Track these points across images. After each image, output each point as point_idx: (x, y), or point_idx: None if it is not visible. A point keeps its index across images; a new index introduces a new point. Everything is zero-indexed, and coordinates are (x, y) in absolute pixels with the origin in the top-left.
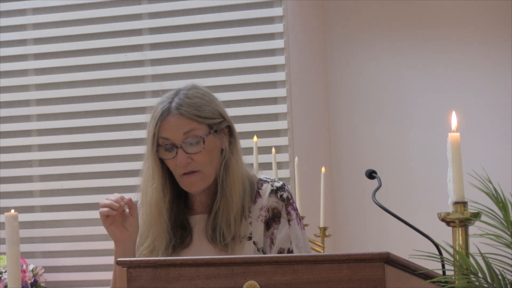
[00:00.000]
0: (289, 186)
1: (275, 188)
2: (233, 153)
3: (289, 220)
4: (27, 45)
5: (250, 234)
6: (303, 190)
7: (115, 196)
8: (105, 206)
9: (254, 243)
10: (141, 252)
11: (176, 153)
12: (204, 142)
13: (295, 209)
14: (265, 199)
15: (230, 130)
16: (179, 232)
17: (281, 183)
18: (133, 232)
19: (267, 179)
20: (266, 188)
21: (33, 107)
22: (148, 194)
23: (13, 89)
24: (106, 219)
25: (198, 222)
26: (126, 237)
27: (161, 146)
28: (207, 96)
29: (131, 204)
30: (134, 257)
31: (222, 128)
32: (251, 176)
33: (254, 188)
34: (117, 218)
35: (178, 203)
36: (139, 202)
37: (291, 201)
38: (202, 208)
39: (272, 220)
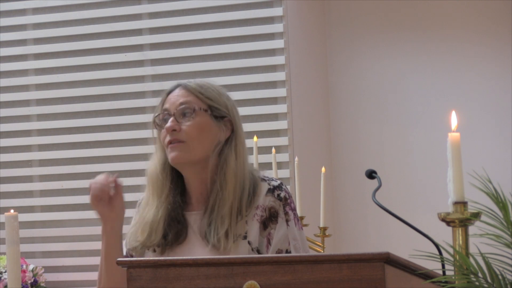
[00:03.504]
0: (287, 186)
1: (272, 187)
2: (231, 149)
3: (287, 221)
4: (27, 45)
5: (246, 233)
6: (303, 190)
7: (102, 177)
8: (96, 187)
9: (249, 242)
10: (133, 231)
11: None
12: (195, 113)
13: (293, 209)
14: (262, 198)
15: (233, 128)
16: (175, 226)
17: (278, 182)
18: (120, 211)
19: (264, 178)
20: (263, 187)
21: (33, 107)
22: (150, 166)
23: (13, 89)
24: (95, 198)
25: (194, 218)
26: (113, 216)
27: (160, 118)
28: (219, 88)
29: (116, 183)
30: (121, 235)
31: (223, 118)
32: (256, 179)
33: (256, 192)
34: (104, 197)
35: (176, 196)
36: (140, 199)
37: (289, 201)
38: (198, 205)
39: (269, 220)
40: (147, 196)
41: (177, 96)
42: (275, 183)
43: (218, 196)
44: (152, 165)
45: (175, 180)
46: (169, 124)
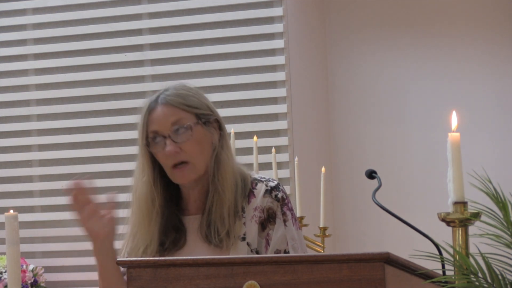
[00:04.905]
0: (287, 186)
1: (269, 188)
2: (223, 148)
3: (284, 221)
4: (27, 45)
5: (244, 234)
6: (303, 190)
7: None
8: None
9: (247, 244)
10: (129, 250)
11: (165, 144)
12: (191, 130)
13: (291, 209)
14: (259, 199)
15: (220, 125)
16: (172, 234)
17: (275, 182)
18: (110, 229)
19: (261, 179)
20: (261, 188)
21: (33, 107)
22: (138, 189)
23: (13, 89)
24: (81, 213)
25: (192, 222)
26: (102, 234)
27: (151, 140)
28: (195, 90)
29: (111, 200)
30: (112, 255)
31: (210, 121)
32: (244, 172)
33: (247, 184)
34: (93, 213)
35: (170, 205)
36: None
37: (286, 201)
38: (195, 208)
39: (267, 220)
40: (136, 215)
41: (164, 115)
42: (272, 184)
43: (216, 196)
44: (140, 184)
45: (167, 189)
46: (168, 148)
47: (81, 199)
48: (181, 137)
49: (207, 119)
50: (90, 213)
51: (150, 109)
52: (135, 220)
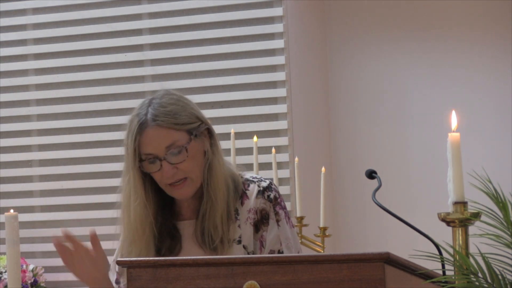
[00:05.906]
0: (275, 185)
1: (261, 188)
2: (214, 154)
3: (277, 221)
4: (27, 45)
5: (239, 237)
6: (303, 190)
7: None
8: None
9: (244, 246)
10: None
11: (161, 165)
12: (187, 151)
13: (284, 208)
14: (253, 201)
15: (210, 132)
16: (167, 241)
17: (267, 182)
18: (103, 267)
19: (253, 179)
20: (253, 189)
21: (33, 107)
22: (132, 211)
23: (13, 89)
24: (73, 265)
25: (187, 227)
26: (97, 276)
27: (144, 161)
28: (181, 101)
29: (92, 237)
30: None
31: (201, 131)
32: (235, 175)
33: (238, 186)
34: (84, 259)
35: (163, 212)
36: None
37: (278, 200)
38: (190, 213)
39: (260, 222)
40: (131, 236)
41: (157, 139)
42: (265, 184)
43: (209, 203)
44: (133, 207)
45: (159, 195)
46: (166, 170)
47: (69, 251)
48: (177, 158)
49: (198, 131)
50: (81, 258)
51: (141, 131)
52: (129, 238)
